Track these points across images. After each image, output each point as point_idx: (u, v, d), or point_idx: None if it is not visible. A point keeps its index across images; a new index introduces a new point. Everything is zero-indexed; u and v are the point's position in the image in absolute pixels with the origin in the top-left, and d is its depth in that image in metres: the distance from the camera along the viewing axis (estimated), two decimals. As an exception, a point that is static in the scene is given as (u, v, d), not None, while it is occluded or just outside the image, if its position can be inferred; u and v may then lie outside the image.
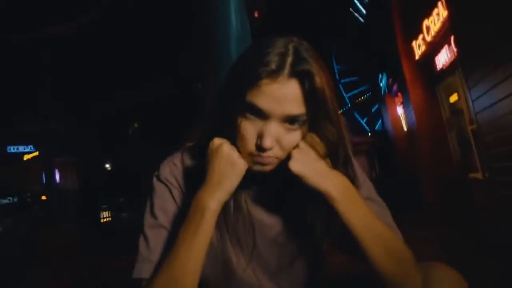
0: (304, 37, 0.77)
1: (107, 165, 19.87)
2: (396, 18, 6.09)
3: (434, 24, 4.61)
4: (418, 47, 5.40)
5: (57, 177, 15.28)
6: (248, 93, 0.70)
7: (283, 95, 0.69)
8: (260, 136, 0.71)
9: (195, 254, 0.70)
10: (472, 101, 3.34)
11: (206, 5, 2.13)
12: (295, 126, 0.73)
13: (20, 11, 8.36)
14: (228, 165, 0.73)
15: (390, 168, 8.24)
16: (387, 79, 8.06)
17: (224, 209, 0.78)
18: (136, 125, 15.42)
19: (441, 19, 4.36)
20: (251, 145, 0.73)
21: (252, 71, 0.70)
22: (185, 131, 0.94)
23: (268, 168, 0.75)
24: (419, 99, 5.70)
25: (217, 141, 0.75)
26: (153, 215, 0.81)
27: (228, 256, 0.84)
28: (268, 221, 0.85)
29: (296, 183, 0.73)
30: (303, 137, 0.75)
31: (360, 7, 11.70)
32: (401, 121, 7.81)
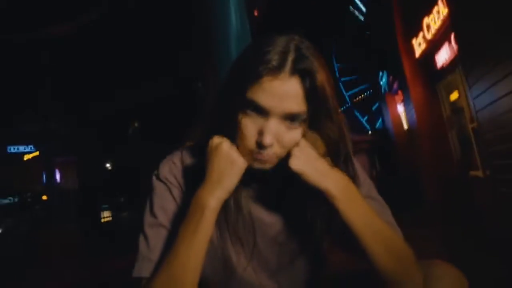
0: (304, 36, 0.77)
1: (108, 165, 19.89)
2: (397, 16, 6.08)
3: (434, 22, 4.60)
4: (419, 45, 5.40)
5: (58, 177, 15.30)
6: (249, 90, 0.70)
7: (284, 92, 0.70)
8: (260, 133, 0.71)
9: (195, 253, 0.70)
10: (473, 99, 3.34)
11: (206, 4, 2.13)
12: (296, 124, 0.73)
13: (20, 11, 8.36)
14: (228, 163, 0.73)
15: (391, 166, 8.23)
16: (388, 77, 8.05)
17: (225, 208, 0.78)
18: (136, 124, 15.42)
19: (441, 17, 4.35)
20: (251, 142, 0.73)
21: (253, 68, 0.70)
22: (185, 131, 0.94)
23: (268, 165, 0.75)
24: (419, 97, 5.69)
25: (216, 139, 0.75)
26: (153, 214, 0.81)
27: (228, 255, 0.84)
28: (268, 220, 0.85)
29: (296, 181, 0.73)
30: (304, 135, 0.76)
31: (360, 5, 11.69)
32: (401, 119, 7.80)
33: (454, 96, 4.88)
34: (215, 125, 0.79)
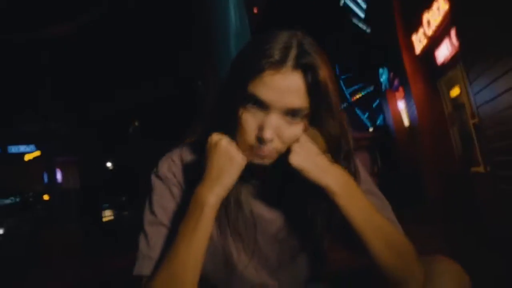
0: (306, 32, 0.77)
1: (109, 164, 19.92)
2: (396, 12, 6.07)
3: (435, 17, 4.58)
4: (419, 41, 5.38)
5: (59, 176, 15.32)
6: (250, 84, 0.70)
7: (285, 86, 0.69)
8: (260, 128, 0.71)
9: (195, 250, 0.70)
10: (473, 95, 3.33)
11: (205, 2, 2.12)
12: (296, 119, 0.73)
13: (20, 11, 8.36)
14: (227, 160, 0.73)
15: (392, 163, 8.23)
16: (388, 74, 8.04)
17: (225, 205, 0.78)
18: (137, 123, 15.43)
19: (442, 12, 4.33)
20: (251, 137, 0.72)
21: (255, 62, 0.70)
22: (185, 130, 0.94)
23: (267, 161, 0.75)
24: (420, 94, 5.68)
25: (215, 136, 0.75)
26: (152, 212, 0.81)
27: (229, 252, 0.84)
28: (268, 216, 0.85)
29: (297, 177, 0.72)
30: (304, 131, 0.75)
31: (360, 1, 11.66)
32: (402, 116, 7.79)
33: (455, 92, 4.87)
34: (215, 121, 0.79)
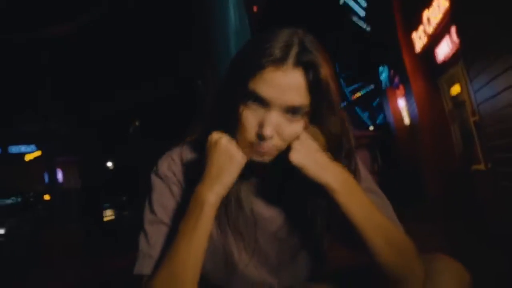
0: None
1: (109, 164, 19.94)
2: (396, 10, 6.06)
3: (435, 15, 4.57)
4: (419, 39, 5.37)
5: (60, 176, 15.33)
6: (251, 81, 0.70)
7: (286, 84, 0.69)
8: (260, 125, 0.71)
9: (195, 249, 0.70)
10: (474, 93, 3.32)
11: (205, 2, 2.12)
12: (297, 117, 0.73)
13: (20, 11, 8.36)
14: (227, 158, 0.73)
15: (392, 161, 8.23)
16: (388, 72, 8.03)
17: (225, 203, 0.78)
18: (137, 123, 15.44)
19: (442, 10, 4.33)
20: (251, 134, 0.72)
21: (256, 59, 0.70)
22: (185, 130, 0.94)
23: (267, 158, 0.75)
24: (420, 91, 5.68)
25: (215, 135, 0.75)
26: (152, 211, 0.81)
27: (230, 251, 0.84)
28: (269, 215, 0.85)
29: (297, 175, 0.72)
30: (305, 129, 0.75)
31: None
32: (403, 114, 7.79)
33: (455, 90, 4.86)
34: (215, 119, 0.79)
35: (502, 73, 2.64)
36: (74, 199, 11.92)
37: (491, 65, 2.83)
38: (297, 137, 0.74)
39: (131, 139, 15.46)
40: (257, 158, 0.74)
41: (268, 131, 0.70)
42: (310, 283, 0.91)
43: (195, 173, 0.79)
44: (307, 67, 0.70)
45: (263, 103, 0.71)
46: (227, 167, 0.72)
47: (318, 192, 0.73)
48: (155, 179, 0.85)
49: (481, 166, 4.18)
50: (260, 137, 0.71)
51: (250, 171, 0.78)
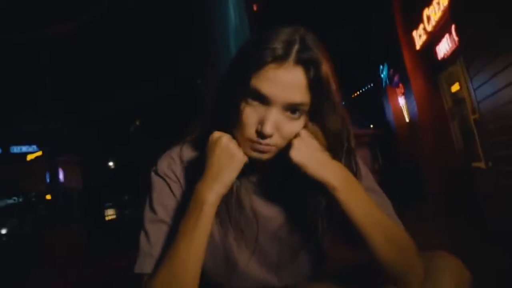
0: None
1: (111, 163, 19.96)
2: (396, 8, 6.05)
3: (435, 13, 4.57)
4: (419, 37, 5.37)
5: (61, 176, 15.35)
6: (252, 78, 0.71)
7: (287, 81, 0.70)
8: (261, 123, 0.71)
9: (196, 248, 0.70)
10: (474, 90, 3.32)
11: (204, 1, 2.12)
12: (297, 115, 0.73)
13: (20, 11, 8.35)
14: (227, 157, 0.73)
15: (393, 159, 8.22)
16: (388, 70, 8.02)
17: (225, 202, 0.78)
18: (138, 122, 15.45)
19: (442, 8, 4.32)
20: (251, 131, 0.73)
21: (257, 57, 0.70)
22: (185, 129, 0.94)
23: (266, 156, 0.75)
24: (420, 89, 5.67)
25: (216, 134, 0.76)
26: (153, 210, 0.81)
27: (230, 249, 0.84)
28: (269, 213, 0.86)
29: (297, 173, 0.73)
30: (304, 127, 0.76)
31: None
32: (403, 112, 7.78)
33: (455, 87, 4.86)
34: (215, 117, 0.80)
35: (502, 70, 2.64)
36: (75, 199, 11.93)
37: (491, 63, 2.83)
38: (297, 135, 0.74)
39: (132, 139, 15.47)
40: (256, 155, 0.74)
41: (268, 128, 0.70)
42: (310, 281, 0.91)
43: (195, 172, 0.79)
44: (308, 64, 0.71)
45: (264, 100, 0.71)
46: (227, 166, 0.73)
47: (318, 190, 0.74)
48: (155, 178, 0.85)
49: (481, 164, 4.18)
50: (260, 134, 0.71)
51: (250, 168, 0.78)
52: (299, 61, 0.70)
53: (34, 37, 9.18)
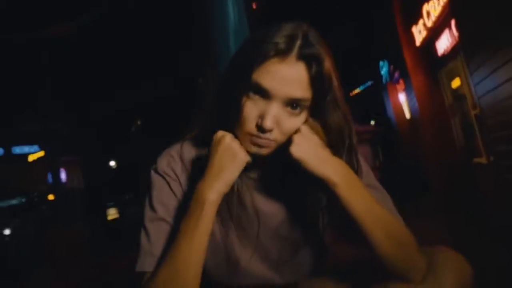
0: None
1: (113, 163, 20.00)
2: (396, 4, 6.03)
3: (434, 8, 4.56)
4: (419, 33, 5.36)
5: (63, 176, 15.38)
6: (254, 72, 0.71)
7: (289, 76, 0.70)
8: (261, 117, 0.72)
9: (197, 247, 0.70)
10: (474, 86, 3.32)
11: (205, 0, 2.11)
12: (297, 110, 0.74)
13: (20, 11, 8.35)
14: (229, 156, 0.73)
15: (394, 156, 8.22)
16: (388, 66, 8.00)
17: (227, 200, 0.78)
18: (139, 122, 15.47)
19: (441, 3, 4.31)
20: (251, 125, 0.73)
21: (260, 51, 0.70)
22: (185, 128, 0.95)
23: (265, 151, 0.75)
24: (421, 85, 5.66)
25: (220, 133, 0.76)
26: (152, 208, 0.81)
27: (232, 247, 0.84)
28: (270, 210, 0.86)
29: (297, 169, 0.73)
30: (305, 124, 0.76)
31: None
32: (403, 108, 7.77)
33: (455, 83, 4.85)
34: (215, 112, 0.80)
35: (503, 66, 2.64)
36: (77, 199, 11.96)
37: (491, 58, 2.82)
38: (297, 131, 0.74)
39: (134, 138, 15.49)
40: (255, 150, 0.75)
41: (268, 122, 0.70)
42: (311, 278, 0.91)
43: (194, 170, 0.80)
44: (310, 60, 0.71)
45: (265, 94, 0.72)
46: (229, 165, 0.73)
47: (319, 186, 0.74)
48: (154, 176, 0.85)
49: (483, 159, 4.18)
50: (260, 128, 0.72)
51: (251, 165, 0.78)
52: (301, 57, 0.71)
53: (34, 37, 9.18)
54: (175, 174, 0.85)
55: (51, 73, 10.92)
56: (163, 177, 0.84)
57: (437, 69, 5.31)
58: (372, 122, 10.85)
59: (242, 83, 0.72)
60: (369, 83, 10.47)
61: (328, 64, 0.73)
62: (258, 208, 0.85)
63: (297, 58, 0.70)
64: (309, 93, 0.73)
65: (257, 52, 0.71)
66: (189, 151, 0.87)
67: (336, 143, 0.78)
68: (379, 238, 0.70)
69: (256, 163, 0.79)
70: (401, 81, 7.17)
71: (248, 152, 0.75)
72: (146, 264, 0.76)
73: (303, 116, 0.75)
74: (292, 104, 0.73)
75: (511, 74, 2.55)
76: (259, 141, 0.73)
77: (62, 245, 7.14)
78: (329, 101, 0.76)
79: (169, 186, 0.83)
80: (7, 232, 5.90)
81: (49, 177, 13.28)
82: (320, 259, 0.93)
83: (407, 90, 6.51)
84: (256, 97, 0.73)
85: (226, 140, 0.74)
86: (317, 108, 0.76)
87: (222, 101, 0.78)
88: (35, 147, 16.23)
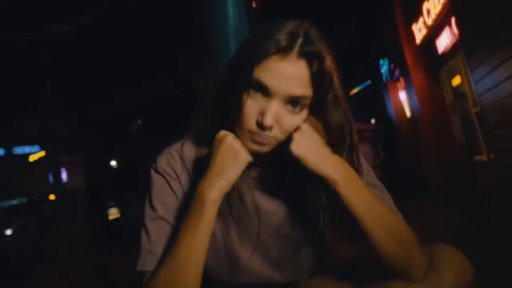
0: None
1: (114, 162, 20.01)
2: (396, 2, 6.02)
3: (434, 6, 4.55)
4: (419, 31, 5.35)
5: (64, 176, 15.40)
6: (255, 69, 0.71)
7: (290, 73, 0.70)
8: (261, 114, 0.72)
9: (198, 246, 0.70)
10: (475, 84, 3.32)
11: (204, 0, 2.11)
12: (297, 108, 0.74)
13: (20, 11, 8.35)
14: (231, 156, 0.73)
15: (395, 154, 8.21)
16: (389, 65, 7.99)
17: (228, 198, 0.78)
18: (139, 121, 15.47)
19: (442, 1, 4.30)
20: (251, 122, 0.73)
21: (261, 48, 0.70)
22: (185, 128, 0.95)
23: (265, 148, 0.75)
24: (421, 84, 5.65)
25: (222, 133, 0.76)
26: (152, 207, 0.81)
27: (232, 246, 0.84)
28: (270, 209, 0.86)
29: (297, 167, 0.72)
30: (305, 122, 0.76)
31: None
32: (404, 106, 7.76)
33: (456, 81, 4.85)
34: (215, 112, 0.80)
35: (503, 63, 2.64)
36: (79, 199, 11.97)
37: (491, 56, 2.82)
38: (298, 129, 0.74)
39: (134, 137, 15.50)
40: (255, 148, 0.75)
41: (268, 120, 0.70)
42: (312, 276, 0.91)
43: (195, 169, 0.80)
44: (311, 58, 0.71)
45: (265, 91, 0.72)
46: (230, 165, 0.73)
47: (319, 184, 0.74)
48: (154, 175, 0.85)
49: (483, 157, 4.17)
50: (261, 126, 0.72)
51: (252, 163, 0.78)
52: (303, 54, 0.71)
53: (34, 37, 9.18)
54: (175, 173, 0.84)
55: (51, 73, 10.93)
56: (163, 176, 0.84)
57: (438, 67, 5.30)
58: (373, 121, 10.83)
59: (243, 80, 0.72)
60: (368, 82, 10.45)
61: (329, 62, 0.73)
62: (259, 206, 0.85)
63: (298, 55, 0.70)
64: (310, 91, 0.73)
65: (258, 49, 0.71)
66: (189, 150, 0.87)
67: (337, 142, 0.78)
68: (380, 236, 0.70)
69: (256, 161, 0.79)
70: (401, 80, 7.16)
71: (248, 150, 0.75)
72: (146, 263, 0.76)
73: (304, 114, 0.75)
74: (293, 102, 0.73)
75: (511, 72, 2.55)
76: (259, 138, 0.73)
77: (64, 245, 7.14)
78: (330, 100, 0.76)
79: (169, 185, 0.83)
80: (8, 232, 5.91)
81: (50, 177, 13.29)
82: (321, 258, 0.93)
83: (408, 88, 6.50)
84: (257, 94, 0.73)
85: (228, 139, 0.74)
86: (317, 106, 0.76)
87: (222, 99, 0.78)
88: (36, 147, 16.25)
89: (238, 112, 0.74)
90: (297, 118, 0.74)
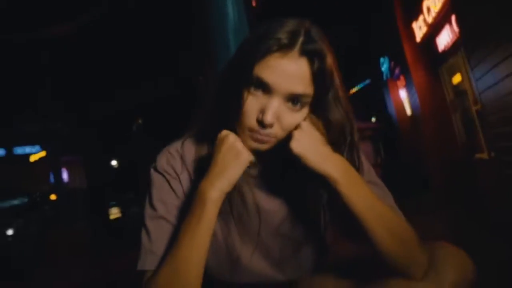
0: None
1: (114, 162, 20.02)
2: (396, 1, 6.02)
3: (435, 4, 4.54)
4: (419, 29, 5.34)
5: (65, 176, 15.41)
6: (256, 66, 0.71)
7: (290, 71, 0.70)
8: (262, 112, 0.72)
9: (198, 245, 0.70)
10: (475, 81, 3.31)
11: (204, 0, 2.11)
12: (298, 106, 0.74)
13: (20, 11, 8.35)
14: (233, 155, 0.73)
15: (395, 152, 8.21)
16: (389, 63, 7.98)
17: (229, 198, 0.78)
18: (140, 121, 15.47)
19: (441, -1, 4.30)
20: (252, 119, 0.73)
21: (262, 46, 0.70)
22: (185, 127, 0.95)
23: (265, 146, 0.75)
24: (421, 82, 5.65)
25: (224, 132, 0.76)
26: (152, 206, 0.81)
27: (233, 245, 0.84)
28: (271, 207, 0.86)
29: (297, 165, 0.72)
30: (305, 120, 0.76)
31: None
32: (404, 105, 7.75)
33: (456, 78, 4.84)
34: (215, 110, 0.80)
35: (503, 61, 2.63)
36: (80, 198, 11.98)
37: (491, 53, 2.82)
38: (298, 127, 0.74)
39: (135, 137, 15.50)
40: (255, 146, 0.75)
41: (269, 117, 0.70)
42: (313, 275, 0.91)
43: (195, 168, 0.79)
44: (313, 56, 0.71)
45: (266, 88, 0.72)
46: (232, 164, 0.72)
47: (319, 183, 0.74)
48: (154, 174, 0.85)
49: (484, 155, 4.17)
50: (261, 123, 0.72)
51: (253, 164, 0.78)
52: (304, 53, 0.71)
53: (34, 37, 9.18)
54: (175, 172, 0.84)
55: (51, 73, 10.93)
56: (163, 175, 0.84)
57: (438, 65, 5.30)
58: (373, 119, 10.82)
59: (243, 78, 0.72)
60: (367, 81, 10.44)
61: (330, 61, 0.73)
62: (259, 205, 0.85)
63: (299, 53, 0.70)
64: (311, 89, 0.73)
65: (259, 47, 0.71)
66: (189, 149, 0.87)
67: (337, 140, 0.78)
68: (381, 234, 0.70)
69: (257, 160, 0.79)
70: (401, 78, 7.15)
71: (248, 148, 0.75)
72: (147, 262, 0.76)
73: (304, 112, 0.75)
74: (293, 99, 0.73)
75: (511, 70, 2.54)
76: (260, 136, 0.73)
77: (65, 245, 7.15)
78: (330, 98, 0.76)
79: (169, 184, 0.83)
80: (10, 232, 5.92)
81: (51, 177, 13.30)
82: (322, 256, 0.93)
83: (408, 86, 6.49)
84: (257, 92, 0.73)
85: (230, 139, 0.74)
86: (318, 105, 0.76)
87: (222, 97, 0.78)
88: (37, 147, 16.26)
89: (238, 110, 0.74)
90: (297, 116, 0.74)
